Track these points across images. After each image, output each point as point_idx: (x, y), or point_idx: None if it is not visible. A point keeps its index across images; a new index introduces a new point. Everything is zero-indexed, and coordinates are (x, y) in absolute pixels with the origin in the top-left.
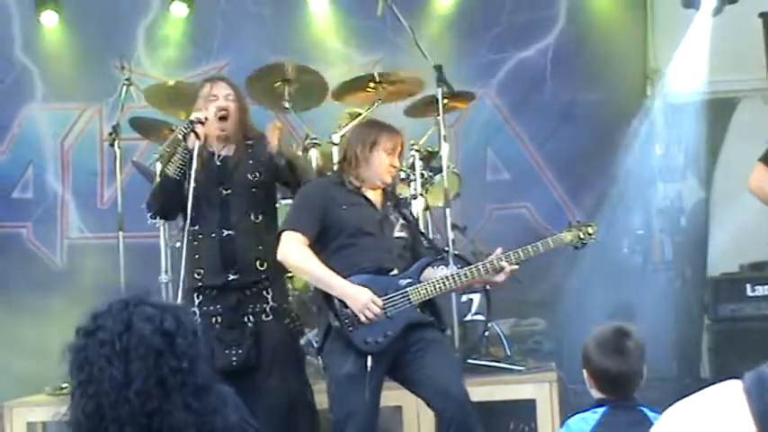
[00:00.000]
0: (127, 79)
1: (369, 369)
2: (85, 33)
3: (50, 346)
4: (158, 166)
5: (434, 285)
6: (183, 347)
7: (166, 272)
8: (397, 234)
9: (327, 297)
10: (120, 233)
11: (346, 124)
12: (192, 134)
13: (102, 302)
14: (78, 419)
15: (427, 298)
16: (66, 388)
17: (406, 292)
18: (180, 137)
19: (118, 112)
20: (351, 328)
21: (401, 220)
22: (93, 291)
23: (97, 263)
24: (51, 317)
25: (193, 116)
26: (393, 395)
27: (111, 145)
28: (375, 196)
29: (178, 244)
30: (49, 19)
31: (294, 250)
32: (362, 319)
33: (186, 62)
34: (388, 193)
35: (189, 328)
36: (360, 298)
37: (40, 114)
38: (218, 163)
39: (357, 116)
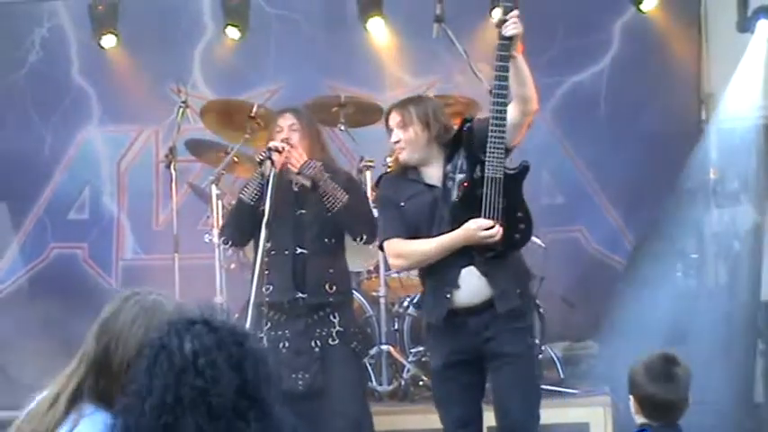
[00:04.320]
0: (183, 102)
1: None
2: (142, 56)
3: None
4: (213, 189)
5: (494, 139)
6: (203, 367)
7: (221, 293)
8: (455, 199)
9: None
10: (176, 255)
11: None
12: (268, 161)
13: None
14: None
15: (503, 160)
16: None
17: (489, 178)
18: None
19: (174, 134)
20: None
21: (458, 176)
22: None
23: (152, 284)
24: None
25: (271, 144)
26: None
27: (168, 167)
28: (434, 171)
29: (233, 266)
30: (108, 42)
31: (400, 253)
32: (491, 240)
33: (241, 85)
34: (446, 151)
35: (226, 352)
36: (468, 233)
37: (96, 136)
38: (295, 189)
39: None
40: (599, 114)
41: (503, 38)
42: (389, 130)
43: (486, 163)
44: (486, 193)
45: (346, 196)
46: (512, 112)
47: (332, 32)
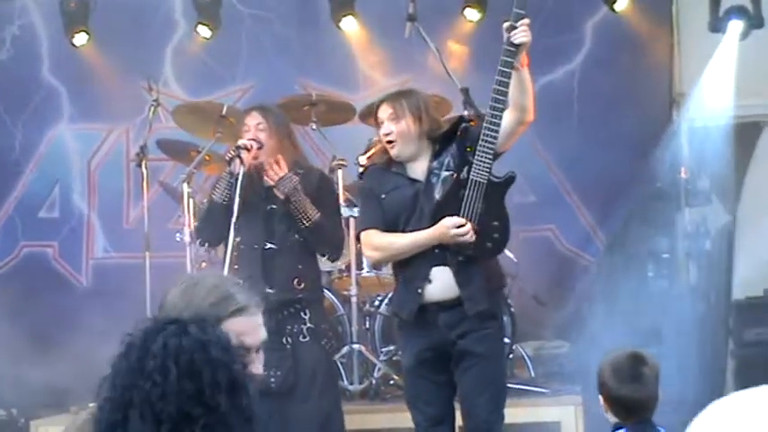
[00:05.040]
0: (154, 100)
1: None
2: (113, 54)
3: (75, 364)
4: (185, 187)
5: (484, 143)
6: (150, 370)
7: None
8: (438, 198)
9: None
10: (147, 253)
11: (374, 146)
12: (237, 159)
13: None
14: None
15: (490, 165)
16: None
17: (473, 181)
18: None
19: (145, 132)
20: None
21: (443, 173)
22: (119, 310)
23: (122, 282)
24: (76, 336)
25: (240, 142)
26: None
27: (139, 165)
28: (419, 166)
29: (204, 264)
30: (79, 40)
31: (375, 245)
32: (462, 240)
33: (213, 83)
34: (434, 147)
35: (187, 357)
36: (441, 230)
37: (67, 134)
38: (266, 184)
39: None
40: (571, 114)
41: (510, 44)
42: (379, 124)
43: (473, 165)
44: (468, 195)
45: (317, 214)
46: (507, 118)
47: (304, 31)
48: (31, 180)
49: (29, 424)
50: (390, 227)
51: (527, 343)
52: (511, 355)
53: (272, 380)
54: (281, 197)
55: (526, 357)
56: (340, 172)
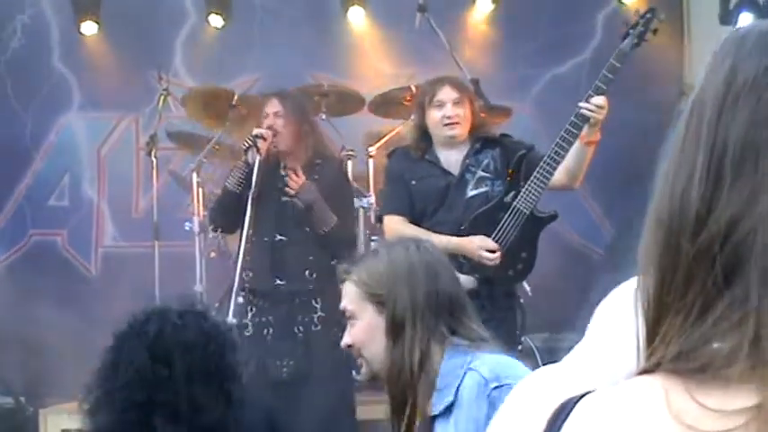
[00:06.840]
0: (164, 89)
1: None
2: (124, 43)
3: (84, 352)
4: (194, 177)
5: (539, 176)
6: (213, 347)
7: (201, 281)
8: (471, 193)
9: None
10: (156, 242)
11: (383, 137)
12: (254, 149)
13: (138, 308)
14: (117, 418)
15: (537, 199)
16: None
17: (515, 208)
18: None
19: (155, 121)
20: None
21: (479, 173)
22: (128, 299)
23: (131, 271)
24: (85, 324)
25: (256, 131)
26: None
27: (148, 154)
28: (454, 157)
29: (213, 254)
30: (89, 29)
31: (398, 235)
32: (487, 263)
33: (223, 73)
34: (474, 144)
35: (218, 334)
36: (471, 246)
37: (76, 123)
38: (282, 173)
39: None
40: None
41: (579, 114)
42: (435, 105)
43: (521, 194)
44: (505, 220)
45: (335, 220)
46: (556, 177)
47: (314, 21)
48: (40, 168)
49: (37, 412)
50: (416, 216)
51: (535, 335)
52: (520, 347)
53: (285, 369)
54: (303, 206)
55: (535, 349)
56: (350, 163)
